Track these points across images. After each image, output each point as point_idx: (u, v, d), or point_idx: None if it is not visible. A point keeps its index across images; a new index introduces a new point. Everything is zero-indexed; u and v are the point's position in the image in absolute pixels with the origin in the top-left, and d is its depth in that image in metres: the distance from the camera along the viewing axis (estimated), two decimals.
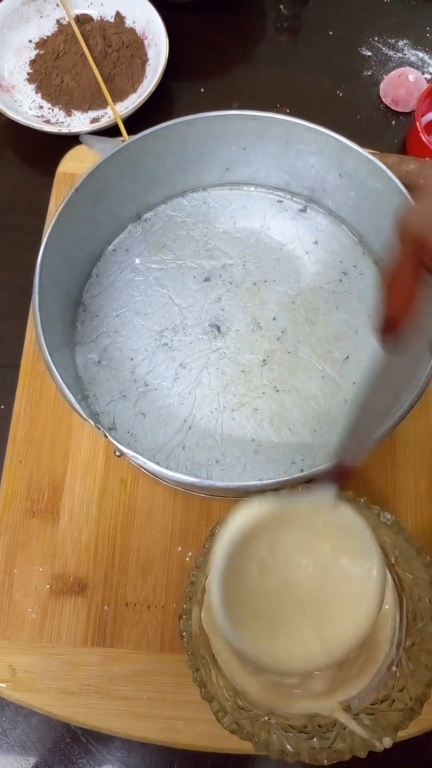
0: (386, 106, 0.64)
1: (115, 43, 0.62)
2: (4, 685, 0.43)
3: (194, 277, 0.51)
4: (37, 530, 0.46)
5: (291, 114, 0.47)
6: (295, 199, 0.54)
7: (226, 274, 0.51)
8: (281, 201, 0.54)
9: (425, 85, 0.62)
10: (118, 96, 0.62)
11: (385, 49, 0.67)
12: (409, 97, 0.62)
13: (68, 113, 0.61)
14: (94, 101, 0.61)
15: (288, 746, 0.33)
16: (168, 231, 0.53)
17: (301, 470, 0.44)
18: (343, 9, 0.69)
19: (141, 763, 0.43)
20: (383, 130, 0.63)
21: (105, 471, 0.48)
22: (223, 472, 0.45)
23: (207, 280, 0.51)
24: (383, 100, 0.64)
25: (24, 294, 0.50)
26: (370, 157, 0.45)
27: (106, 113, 0.61)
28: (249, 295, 0.50)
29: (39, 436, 0.48)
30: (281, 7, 0.69)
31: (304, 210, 0.54)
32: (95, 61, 0.60)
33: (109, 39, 0.62)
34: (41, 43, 0.64)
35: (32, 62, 0.63)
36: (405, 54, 0.67)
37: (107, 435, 0.39)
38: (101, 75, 0.60)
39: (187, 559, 0.45)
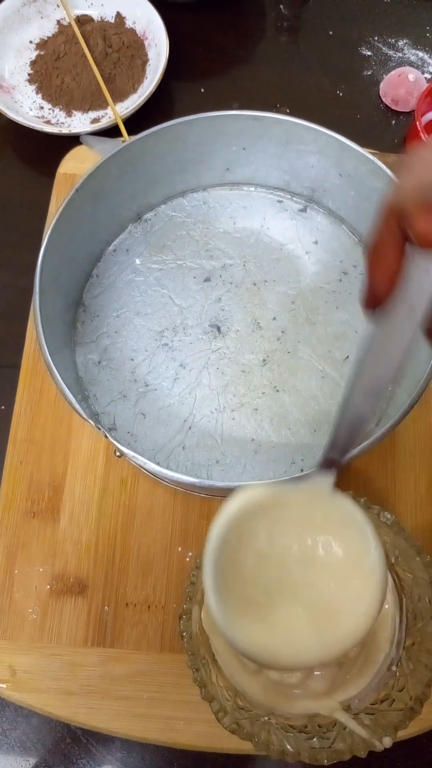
0: (386, 106, 0.64)
1: (116, 43, 0.62)
2: (4, 686, 0.43)
3: (194, 277, 0.51)
4: (37, 530, 0.46)
5: (291, 114, 0.47)
6: (295, 199, 0.54)
7: (226, 275, 0.51)
8: (281, 201, 0.54)
9: (425, 85, 0.62)
10: (119, 96, 0.62)
11: (385, 49, 0.67)
12: (409, 96, 0.62)
13: (69, 114, 0.61)
14: (95, 102, 0.61)
15: (288, 746, 0.33)
16: (168, 231, 0.53)
17: (301, 470, 0.44)
18: (343, 9, 0.69)
19: (141, 764, 0.43)
20: (383, 129, 0.63)
21: (105, 471, 0.48)
22: (223, 472, 0.45)
23: (207, 280, 0.51)
24: (383, 99, 0.64)
25: (24, 294, 0.50)
26: (370, 156, 0.45)
27: (107, 114, 0.61)
28: (249, 295, 0.50)
29: (39, 436, 0.48)
30: (281, 7, 0.69)
31: (304, 210, 0.54)
32: (96, 62, 0.61)
33: (109, 39, 0.62)
34: (42, 44, 0.64)
35: (33, 63, 0.63)
36: (405, 54, 0.67)
37: (107, 435, 0.39)
38: (102, 75, 0.60)
39: (188, 559, 0.45)
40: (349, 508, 0.30)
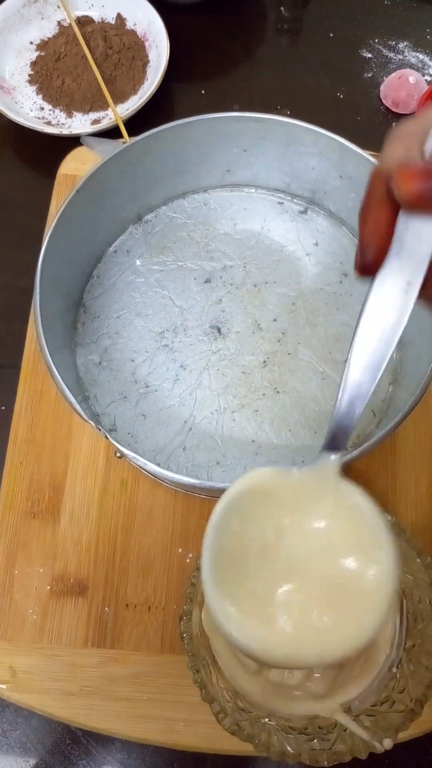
0: (387, 108, 0.64)
1: (116, 44, 0.62)
2: (4, 687, 0.43)
3: (195, 278, 0.51)
4: (37, 531, 0.46)
5: (291, 116, 0.47)
6: (295, 200, 0.54)
7: (227, 276, 0.51)
8: (282, 203, 0.54)
9: (425, 87, 0.62)
10: (119, 97, 0.62)
11: (385, 51, 0.67)
12: (410, 98, 0.62)
13: (69, 115, 0.61)
14: (95, 103, 0.61)
15: (288, 748, 0.33)
16: (169, 232, 0.53)
17: None
18: (343, 11, 0.70)
19: (141, 764, 0.43)
20: (384, 131, 0.63)
21: (105, 472, 0.48)
22: (224, 473, 0.45)
23: (208, 281, 0.51)
24: (384, 101, 0.64)
25: (25, 295, 0.50)
26: (371, 158, 0.45)
27: (107, 115, 0.61)
28: (249, 296, 0.50)
29: (40, 436, 0.48)
30: (282, 8, 0.70)
31: (304, 212, 0.54)
32: (96, 63, 0.61)
33: (110, 41, 0.62)
34: (42, 45, 0.64)
35: (33, 64, 0.63)
36: (405, 56, 0.67)
37: (108, 436, 0.39)
38: (102, 77, 0.60)
39: (188, 560, 0.45)
40: (357, 498, 0.28)
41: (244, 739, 0.33)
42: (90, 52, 0.61)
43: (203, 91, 0.65)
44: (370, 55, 0.67)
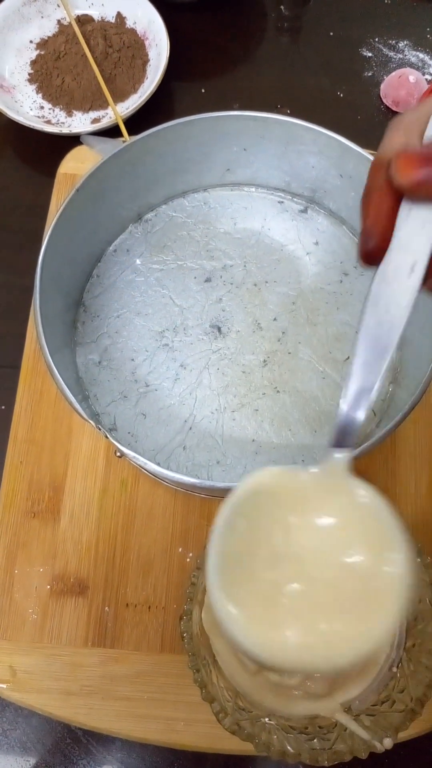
0: (387, 107, 0.64)
1: (116, 43, 0.62)
2: (4, 686, 0.43)
3: (195, 277, 0.51)
4: (37, 531, 0.46)
5: (292, 115, 0.47)
6: (295, 199, 0.54)
7: (227, 275, 0.51)
8: (282, 202, 0.54)
9: (426, 86, 0.62)
10: (119, 96, 0.62)
11: (385, 50, 0.67)
12: (410, 98, 0.62)
13: (69, 114, 0.61)
14: (95, 102, 0.61)
15: (289, 747, 0.33)
16: (169, 231, 0.53)
17: None
18: (343, 10, 0.70)
19: (141, 764, 0.43)
20: (384, 131, 0.63)
21: (105, 472, 0.48)
22: (224, 472, 0.45)
23: (208, 280, 0.51)
24: (384, 101, 0.64)
25: (24, 294, 0.50)
26: (371, 157, 0.45)
27: (107, 114, 0.61)
28: (250, 295, 0.50)
29: (40, 436, 0.48)
30: (282, 7, 0.69)
31: (304, 211, 0.54)
32: (96, 62, 0.60)
33: (110, 39, 0.62)
34: (42, 44, 0.64)
35: (33, 63, 0.63)
36: (405, 55, 0.67)
37: (108, 436, 0.39)
38: (102, 75, 0.60)
39: (188, 560, 0.45)
40: (370, 497, 0.27)
41: (244, 738, 0.33)
42: (90, 50, 0.61)
43: (203, 90, 0.65)
44: (370, 54, 0.67)
